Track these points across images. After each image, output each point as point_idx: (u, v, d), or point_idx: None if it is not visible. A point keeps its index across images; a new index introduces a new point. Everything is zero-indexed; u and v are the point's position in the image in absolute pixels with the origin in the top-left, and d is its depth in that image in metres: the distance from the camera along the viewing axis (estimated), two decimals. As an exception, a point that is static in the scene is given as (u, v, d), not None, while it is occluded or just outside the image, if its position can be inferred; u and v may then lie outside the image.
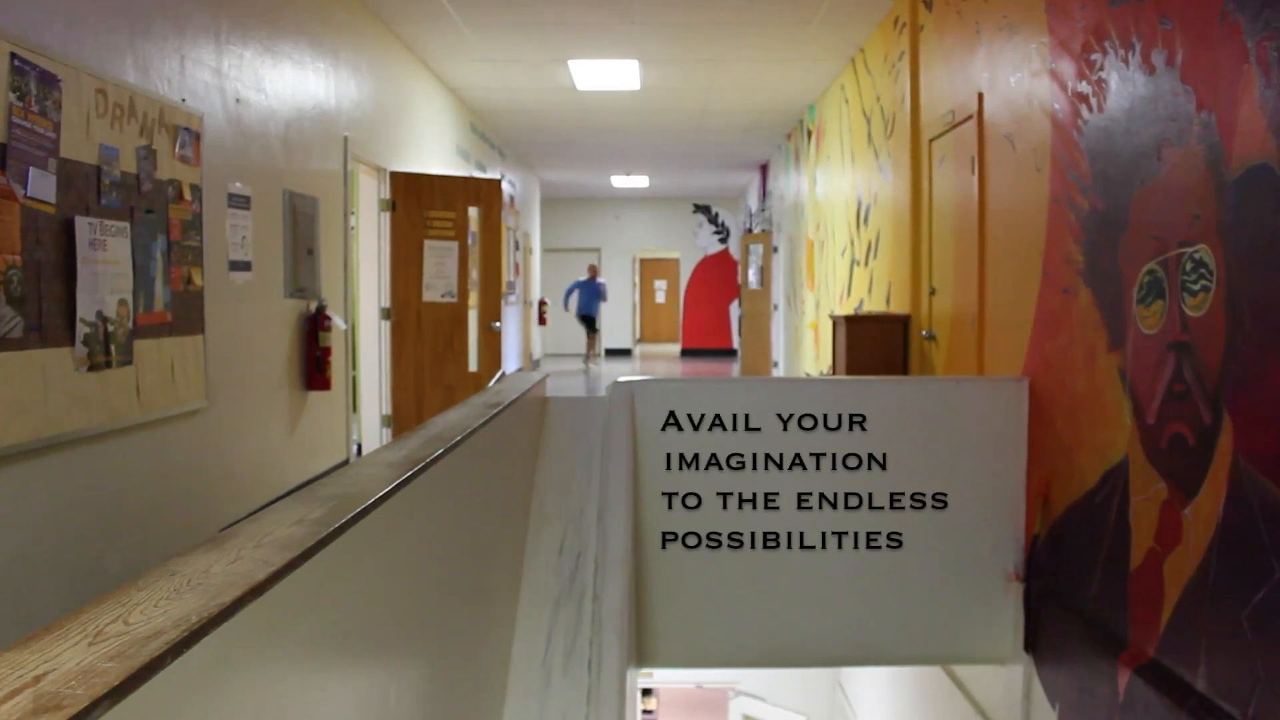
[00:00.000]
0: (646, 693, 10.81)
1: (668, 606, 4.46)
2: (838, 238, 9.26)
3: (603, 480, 4.11)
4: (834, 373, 6.96)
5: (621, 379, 4.44)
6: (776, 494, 4.44)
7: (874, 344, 6.33)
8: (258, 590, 1.15)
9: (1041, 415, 4.16)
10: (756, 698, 9.06)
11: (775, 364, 13.95)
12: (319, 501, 1.57)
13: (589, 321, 18.31)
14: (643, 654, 4.50)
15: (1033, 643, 4.14)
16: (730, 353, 20.14)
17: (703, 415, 4.45)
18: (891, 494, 4.41)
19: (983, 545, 4.33)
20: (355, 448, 6.77)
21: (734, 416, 4.44)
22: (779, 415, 4.46)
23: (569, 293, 18.40)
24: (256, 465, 4.98)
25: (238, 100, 4.80)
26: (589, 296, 18.24)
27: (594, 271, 18.75)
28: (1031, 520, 4.23)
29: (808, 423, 4.45)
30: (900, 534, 4.40)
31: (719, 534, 4.44)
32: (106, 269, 3.62)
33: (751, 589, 4.44)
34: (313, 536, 1.36)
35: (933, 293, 5.98)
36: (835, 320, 6.92)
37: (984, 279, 4.97)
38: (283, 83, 5.39)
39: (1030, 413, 4.24)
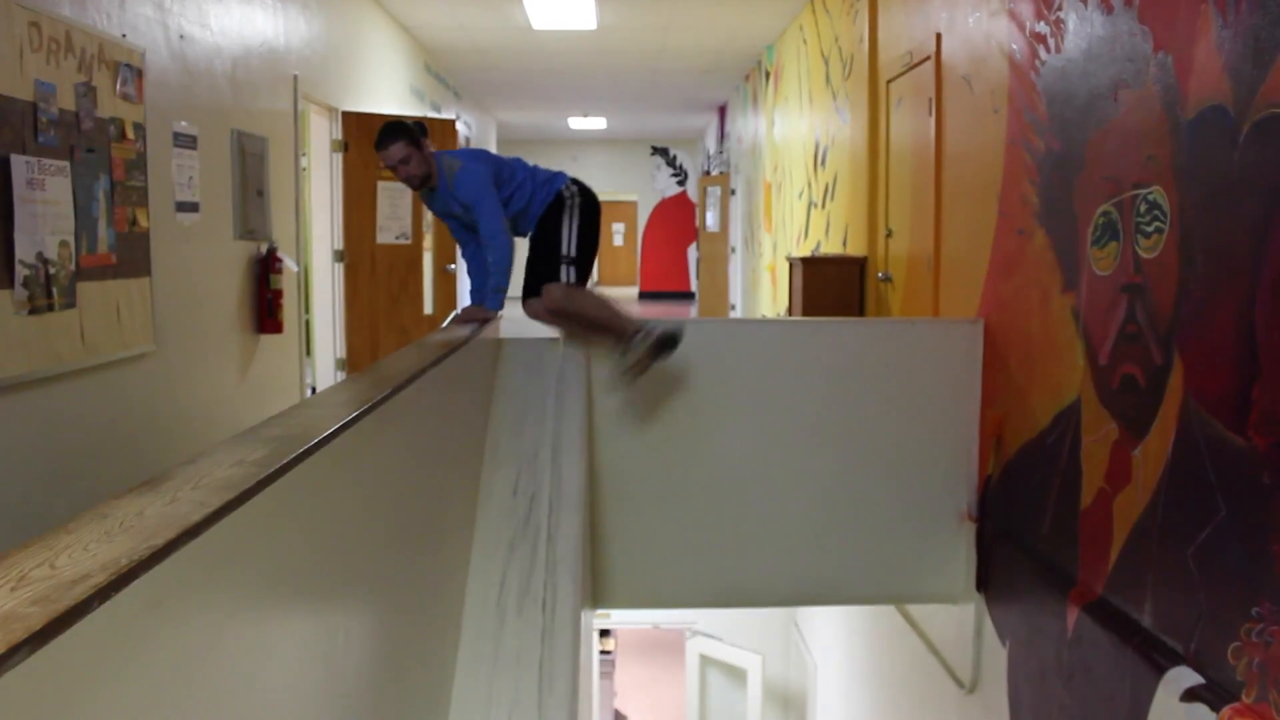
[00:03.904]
0: (604, 634, 10.90)
1: (623, 548, 4.47)
2: (795, 180, 9.23)
3: (557, 422, 4.10)
4: (790, 314, 6.96)
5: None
6: (731, 435, 4.44)
7: (830, 286, 6.34)
8: (193, 532, 1.12)
9: (996, 356, 4.18)
10: (713, 638, 9.16)
11: (733, 306, 13.96)
12: (261, 443, 1.54)
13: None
14: (598, 595, 4.52)
15: (984, 582, 4.20)
16: (688, 295, 20.12)
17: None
18: (846, 435, 4.42)
19: (936, 486, 4.37)
20: (309, 391, 6.70)
21: (688, 357, 4.43)
22: (732, 355, 4.46)
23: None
24: (207, 409, 4.91)
25: (181, 36, 4.66)
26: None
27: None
28: (984, 461, 4.27)
29: (762, 363, 4.45)
30: (854, 474, 4.43)
31: (671, 475, 4.44)
32: (46, 209, 3.52)
33: (707, 530, 4.46)
34: (252, 477, 1.32)
35: (889, 235, 5.97)
36: (792, 262, 6.91)
37: (940, 221, 4.97)
38: (229, 19, 5.24)
39: (985, 354, 4.26)
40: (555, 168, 4.46)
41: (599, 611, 6.31)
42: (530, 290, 4.15)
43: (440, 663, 2.99)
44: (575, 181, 4.31)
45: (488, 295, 4.20)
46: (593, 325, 4.12)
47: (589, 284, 4.27)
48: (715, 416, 4.44)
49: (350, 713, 1.93)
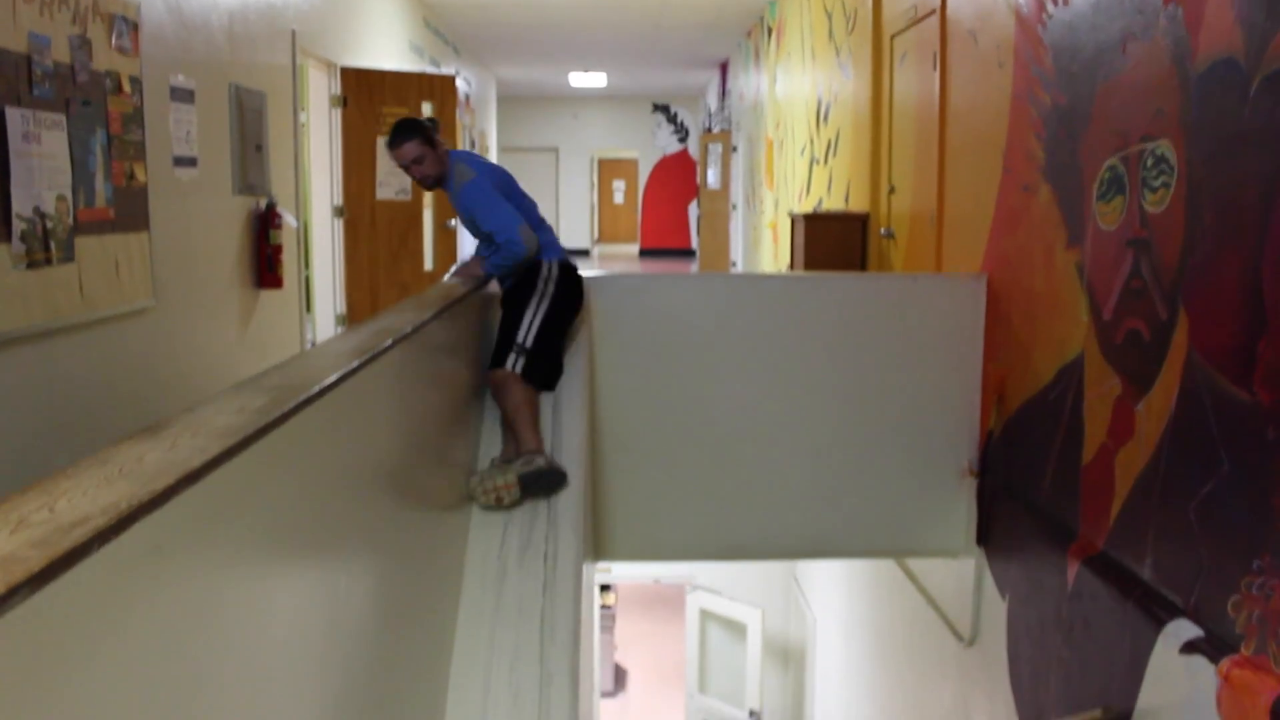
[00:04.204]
0: (605, 588, 10.96)
1: (625, 501, 4.48)
2: (797, 136, 9.17)
3: (559, 376, 4.09)
4: (792, 270, 6.93)
5: (579, 274, 4.39)
6: (732, 388, 4.44)
7: (832, 242, 6.30)
8: (193, 478, 1.11)
9: (999, 312, 4.17)
10: (713, 592, 9.21)
11: (734, 264, 13.93)
12: (262, 391, 1.53)
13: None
14: (599, 548, 4.53)
15: (985, 536, 4.21)
16: (689, 253, 20.07)
17: (658, 311, 4.43)
18: (848, 389, 4.42)
19: (938, 441, 4.37)
20: (310, 346, 6.69)
21: (689, 311, 4.42)
22: (734, 310, 4.45)
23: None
24: (208, 364, 4.90)
25: (178, -13, 4.61)
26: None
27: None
28: (986, 416, 4.26)
29: (763, 317, 4.43)
30: (856, 429, 4.43)
31: (673, 428, 4.45)
32: (42, 163, 3.49)
33: (709, 483, 4.47)
34: (253, 424, 1.32)
35: (892, 191, 5.94)
36: (794, 218, 6.87)
37: (944, 177, 4.94)
38: (225, -30, 5.18)
39: (988, 310, 4.25)
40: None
41: (600, 565, 6.32)
42: (491, 360, 3.87)
43: (442, 614, 3.00)
44: (565, 265, 3.98)
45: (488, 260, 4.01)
46: (508, 422, 3.77)
47: (556, 372, 3.95)
48: (717, 371, 4.44)
49: (352, 662, 1.93)
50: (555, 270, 3.95)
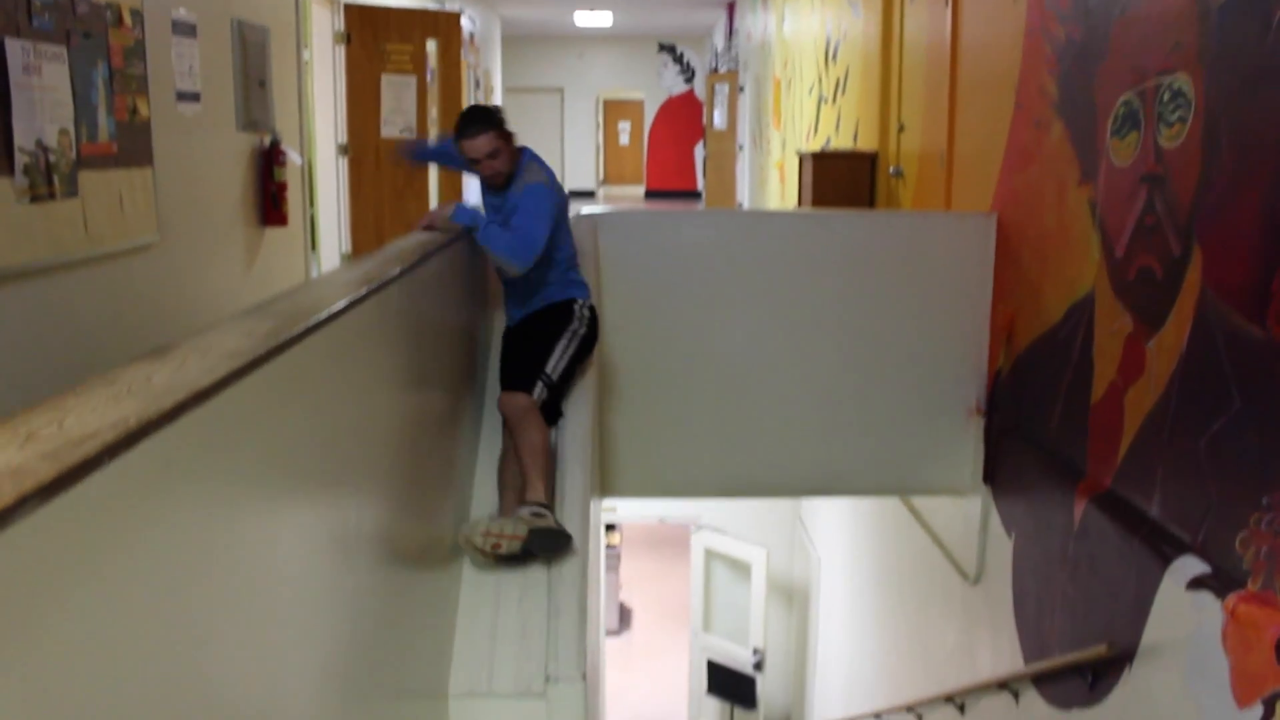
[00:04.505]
0: (610, 528, 11.04)
1: (632, 438, 4.49)
2: (805, 76, 9.06)
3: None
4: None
5: (585, 211, 4.37)
6: (739, 325, 4.43)
7: (840, 181, 6.25)
8: (201, 397, 1.10)
9: (1009, 250, 4.13)
10: (718, 531, 9.26)
11: (740, 205, 13.84)
12: (270, 316, 1.52)
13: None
14: (606, 484, 4.55)
15: (992, 474, 4.21)
16: (694, 194, 19.95)
17: (665, 247, 4.41)
18: (856, 327, 4.41)
19: (945, 379, 4.36)
20: (315, 287, 6.66)
21: (697, 248, 4.40)
22: (741, 247, 4.42)
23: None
24: (213, 301, 4.89)
25: (178, -83, 4.53)
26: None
27: None
28: (995, 355, 4.25)
29: (770, 255, 4.41)
30: (863, 367, 4.42)
31: (680, 365, 4.44)
32: (44, 96, 3.44)
33: (716, 420, 4.48)
34: (262, 347, 1.31)
35: (901, 129, 5.87)
36: (802, 157, 6.81)
37: (954, 114, 4.88)
38: (225, -100, 5.09)
39: (998, 247, 4.22)
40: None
41: (605, 505, 6.34)
42: (507, 382, 3.66)
43: (451, 548, 3.01)
44: (594, 309, 3.83)
45: (479, 222, 3.65)
46: (520, 458, 3.45)
47: (558, 413, 3.71)
48: (725, 308, 4.42)
49: (361, 594, 1.94)
50: (588, 313, 3.80)
